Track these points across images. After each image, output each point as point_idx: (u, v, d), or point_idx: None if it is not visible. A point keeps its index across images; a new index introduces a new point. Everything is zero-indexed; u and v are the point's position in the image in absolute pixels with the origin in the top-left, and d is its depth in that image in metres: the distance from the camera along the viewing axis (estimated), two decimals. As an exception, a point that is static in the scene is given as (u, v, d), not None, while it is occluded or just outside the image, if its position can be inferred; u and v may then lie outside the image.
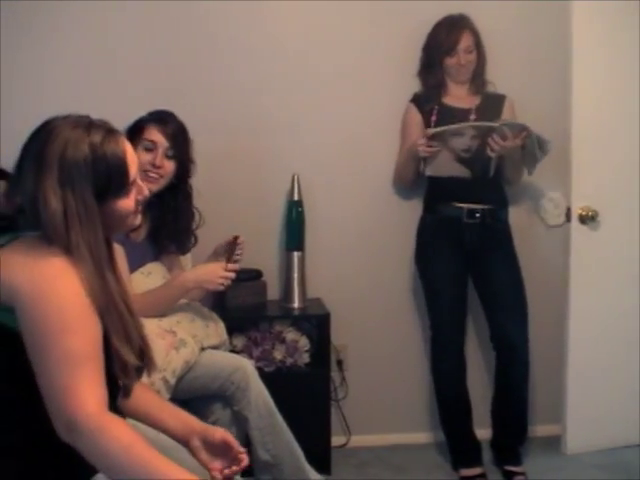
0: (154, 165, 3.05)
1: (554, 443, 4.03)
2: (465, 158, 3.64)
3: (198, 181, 3.67)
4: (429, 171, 3.69)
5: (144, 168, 2.96)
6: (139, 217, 2.01)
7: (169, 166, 3.10)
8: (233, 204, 3.97)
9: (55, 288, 1.74)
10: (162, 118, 3.12)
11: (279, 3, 3.93)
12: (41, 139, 1.83)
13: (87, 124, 1.86)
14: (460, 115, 3.78)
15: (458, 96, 3.86)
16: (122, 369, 1.86)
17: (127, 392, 1.99)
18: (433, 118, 3.81)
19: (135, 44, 3.83)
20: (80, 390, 1.70)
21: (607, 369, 3.93)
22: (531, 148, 3.62)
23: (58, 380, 1.71)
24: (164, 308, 2.96)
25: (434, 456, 4.01)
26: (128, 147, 1.92)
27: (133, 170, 1.91)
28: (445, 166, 3.66)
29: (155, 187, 3.03)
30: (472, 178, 3.68)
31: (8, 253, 1.79)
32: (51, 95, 3.67)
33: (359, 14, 3.96)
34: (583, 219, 3.79)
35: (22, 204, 1.83)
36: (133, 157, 1.92)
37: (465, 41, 3.75)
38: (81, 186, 1.79)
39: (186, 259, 3.41)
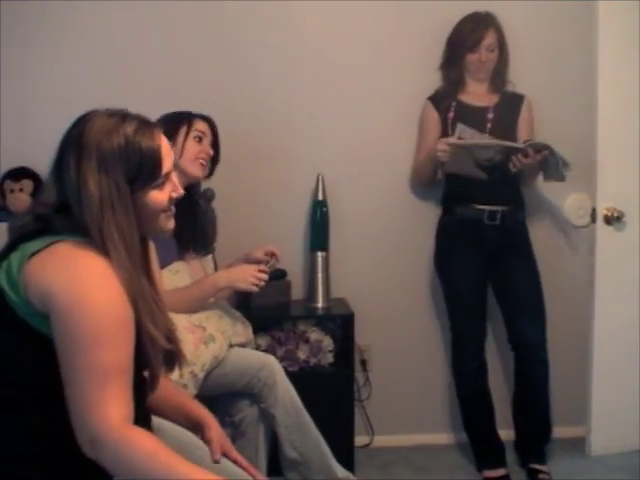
0: (206, 152, 3.19)
1: (578, 445, 4.00)
2: (485, 166, 3.63)
3: (223, 182, 3.70)
4: (448, 168, 3.69)
5: (197, 156, 3.14)
6: (172, 221, 2.00)
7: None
8: (258, 204, 3.98)
9: (92, 298, 1.72)
10: (202, 115, 3.24)
11: (303, 2, 3.94)
12: (79, 128, 1.84)
13: (123, 115, 1.88)
14: (477, 113, 3.79)
15: (476, 94, 3.85)
16: (152, 355, 1.86)
17: (154, 385, 2.00)
18: (450, 115, 3.80)
19: (153, 44, 3.86)
20: (106, 405, 1.69)
21: (632, 371, 3.91)
22: (553, 164, 3.60)
23: (86, 393, 1.70)
24: (196, 306, 2.97)
25: (457, 457, 4.01)
26: (164, 140, 1.92)
27: (167, 163, 1.91)
28: (464, 168, 3.66)
29: (205, 173, 3.24)
30: (490, 180, 3.67)
31: (44, 258, 1.77)
32: (61, 96, 3.72)
33: (382, 13, 3.96)
34: (608, 220, 3.77)
35: (62, 200, 1.83)
36: (168, 151, 1.93)
37: (489, 39, 3.75)
38: (115, 172, 1.80)
39: (207, 260, 3.41)
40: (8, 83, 3.72)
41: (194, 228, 3.24)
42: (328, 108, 3.99)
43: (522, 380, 3.88)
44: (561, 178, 3.65)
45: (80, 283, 1.73)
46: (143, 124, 1.89)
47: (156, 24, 3.85)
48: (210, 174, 3.31)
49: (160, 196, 1.91)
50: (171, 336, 1.96)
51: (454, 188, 3.84)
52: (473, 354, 3.83)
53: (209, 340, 2.89)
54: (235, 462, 2.15)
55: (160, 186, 1.91)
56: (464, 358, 3.86)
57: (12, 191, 3.64)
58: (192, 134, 3.15)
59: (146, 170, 1.86)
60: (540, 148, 3.55)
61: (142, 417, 2.07)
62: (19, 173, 3.66)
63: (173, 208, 1.99)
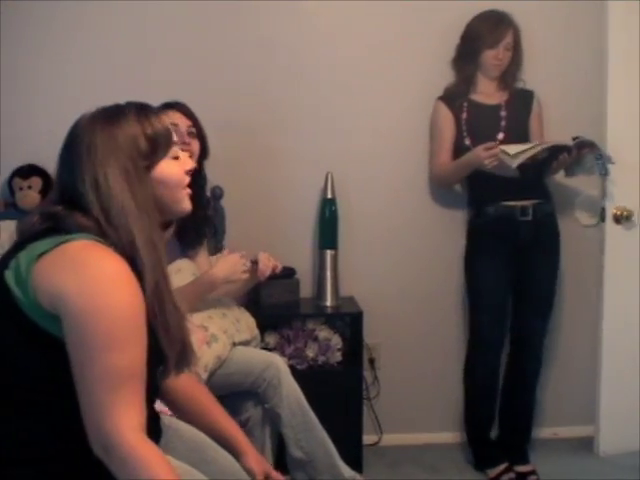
0: (184, 143, 3.04)
1: (587, 444, 4.01)
2: (527, 165, 3.56)
3: (232, 180, 3.71)
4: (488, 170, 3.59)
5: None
6: (189, 202, 2.01)
7: (195, 144, 3.15)
8: (266, 203, 3.98)
9: (105, 301, 1.69)
10: (171, 103, 3.15)
11: (313, 1, 3.93)
12: (80, 129, 1.86)
13: (117, 105, 1.91)
14: (490, 112, 3.78)
15: (486, 92, 3.83)
16: (167, 348, 1.86)
17: (165, 376, 2.01)
18: (464, 115, 3.79)
19: (162, 43, 3.85)
20: (119, 411, 1.68)
21: (641, 370, 3.91)
22: (589, 160, 3.59)
23: (98, 397, 1.69)
24: (193, 304, 2.93)
25: (465, 456, 3.99)
26: (164, 116, 1.98)
27: (174, 135, 1.96)
28: (504, 170, 3.57)
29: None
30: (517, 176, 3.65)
31: (54, 259, 1.73)
32: (69, 93, 3.73)
33: (391, 11, 3.95)
34: (618, 219, 3.76)
35: (70, 195, 1.83)
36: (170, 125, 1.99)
37: (508, 37, 3.74)
38: (130, 154, 1.83)
39: (215, 259, 3.40)
40: (17, 81, 3.73)
41: (201, 226, 3.22)
42: (337, 106, 3.99)
43: (513, 374, 3.90)
44: (592, 173, 3.67)
45: (92, 286, 1.70)
46: (142, 106, 1.93)
47: (164, 24, 3.85)
48: (203, 155, 3.21)
49: (176, 167, 1.95)
50: (184, 333, 1.94)
51: (480, 188, 3.81)
52: (489, 358, 3.83)
53: (212, 340, 2.89)
54: None
55: (175, 157, 1.95)
56: (478, 362, 3.86)
57: (21, 189, 3.65)
58: None
59: (162, 142, 1.90)
60: (586, 144, 3.55)
61: (152, 417, 2.08)
62: (28, 171, 3.68)
63: (189, 189, 2.01)
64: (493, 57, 3.75)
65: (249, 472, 2.23)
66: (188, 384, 2.26)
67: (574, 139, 3.57)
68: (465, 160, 3.69)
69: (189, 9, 3.84)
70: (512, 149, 3.49)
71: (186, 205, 2.00)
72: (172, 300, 1.88)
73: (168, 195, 1.93)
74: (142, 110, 1.91)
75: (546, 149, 3.54)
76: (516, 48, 3.80)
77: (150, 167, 1.87)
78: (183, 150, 2.90)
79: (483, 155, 3.53)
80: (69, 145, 1.86)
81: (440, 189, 4.03)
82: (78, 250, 1.74)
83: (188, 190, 2.00)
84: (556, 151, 3.57)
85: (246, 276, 3.08)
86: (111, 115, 1.87)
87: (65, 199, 1.84)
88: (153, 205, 1.86)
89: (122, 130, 1.84)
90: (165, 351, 1.86)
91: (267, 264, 3.16)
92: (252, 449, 2.31)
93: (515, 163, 3.48)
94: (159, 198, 1.90)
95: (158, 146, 1.89)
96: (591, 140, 3.58)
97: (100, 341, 1.68)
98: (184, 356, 1.96)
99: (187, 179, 1.99)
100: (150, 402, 2.04)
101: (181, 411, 2.27)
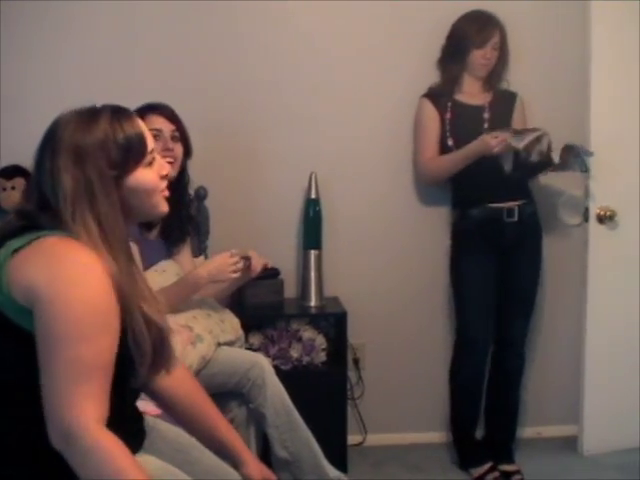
0: (167, 149, 3.03)
1: (571, 444, 4.02)
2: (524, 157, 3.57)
3: (215, 180, 3.70)
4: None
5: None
6: (165, 203, 1.99)
7: (178, 148, 3.11)
8: (250, 203, 3.98)
9: (75, 292, 1.70)
10: (155, 106, 3.12)
11: (297, 2, 3.93)
12: (52, 129, 1.85)
13: (94, 107, 1.89)
14: (473, 113, 3.79)
15: (471, 93, 3.84)
16: (140, 356, 1.84)
17: (140, 385, 1.98)
18: (448, 115, 3.79)
19: (146, 43, 3.84)
20: (83, 402, 1.68)
21: (624, 369, 3.92)
22: (570, 161, 3.62)
23: (63, 387, 1.68)
24: (177, 304, 2.93)
25: (450, 455, 4.00)
26: (140, 121, 1.94)
27: (150, 140, 1.93)
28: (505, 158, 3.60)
29: (172, 172, 2.99)
30: (499, 177, 3.64)
31: (28, 253, 1.75)
32: (54, 94, 3.68)
33: (375, 11, 3.95)
34: (601, 219, 3.78)
35: (42, 196, 1.83)
36: (147, 130, 1.94)
37: (495, 37, 3.74)
38: (95, 162, 1.80)
39: (200, 260, 3.40)
40: (2, 81, 3.71)
41: (185, 224, 3.21)
42: (321, 106, 3.99)
43: (497, 373, 3.92)
44: (574, 170, 3.69)
45: (62, 276, 1.71)
46: (117, 110, 1.90)
47: (145, 25, 3.84)
48: (187, 156, 3.18)
49: (150, 174, 1.92)
50: (162, 335, 1.93)
51: (464, 190, 3.82)
52: (475, 358, 3.84)
53: (197, 340, 2.88)
54: None
55: (150, 164, 1.92)
56: (464, 362, 3.87)
57: (4, 189, 3.64)
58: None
59: (134, 150, 1.86)
60: (566, 150, 3.57)
61: (134, 418, 2.08)
62: (12, 171, 3.65)
63: (166, 190, 1.99)
64: (481, 57, 3.75)
65: None
66: (182, 382, 2.20)
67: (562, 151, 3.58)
68: (470, 149, 3.63)
69: (170, 10, 3.82)
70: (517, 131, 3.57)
71: (162, 208, 1.99)
72: (149, 299, 1.88)
73: (142, 202, 1.92)
74: (115, 116, 1.87)
75: (541, 138, 3.54)
76: (502, 48, 3.81)
77: (120, 177, 1.85)
78: (166, 156, 2.92)
79: (493, 143, 3.52)
80: (41, 146, 1.86)
81: (428, 186, 4.02)
82: (52, 244, 1.76)
83: (164, 193, 1.98)
84: (544, 162, 3.58)
85: (236, 276, 3.05)
86: (83, 120, 1.84)
87: (39, 198, 1.85)
88: (116, 216, 1.83)
89: (92, 136, 1.82)
90: (134, 352, 1.84)
91: (259, 260, 3.15)
92: (252, 457, 2.28)
93: (522, 144, 3.50)
94: (132, 205, 1.89)
95: (130, 155, 1.86)
96: (571, 144, 3.58)
97: (68, 331, 1.69)
98: (161, 357, 1.94)
99: (163, 184, 1.97)
100: (131, 402, 2.03)
101: (176, 413, 2.23)
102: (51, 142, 1.83)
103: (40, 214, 1.83)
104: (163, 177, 1.97)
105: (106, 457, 1.67)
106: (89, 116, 1.85)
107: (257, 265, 3.14)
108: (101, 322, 1.73)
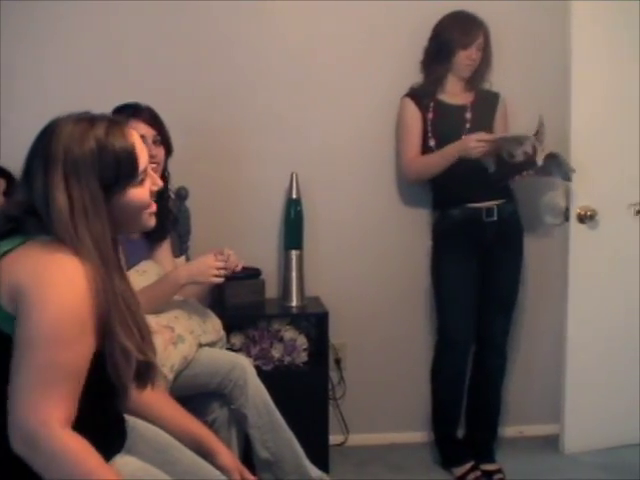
0: (151, 156, 2.99)
1: (552, 442, 4.04)
2: (505, 161, 3.61)
3: (196, 181, 3.69)
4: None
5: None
6: (154, 218, 2.00)
7: (160, 152, 3.11)
8: (231, 203, 3.97)
9: (54, 297, 1.71)
10: (135, 110, 3.08)
11: (277, 0, 3.92)
12: (46, 138, 1.83)
13: (90, 118, 1.86)
14: (456, 113, 3.79)
15: (453, 92, 3.84)
16: (123, 365, 1.84)
17: (125, 396, 1.98)
18: (430, 115, 3.79)
19: (133, 44, 3.82)
20: (50, 406, 1.68)
21: (606, 368, 3.94)
22: (552, 167, 3.64)
23: (32, 389, 1.69)
24: (158, 305, 2.90)
25: (432, 455, 4.00)
26: (136, 137, 1.91)
27: (143, 158, 1.91)
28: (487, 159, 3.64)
29: (158, 175, 2.95)
30: (478, 177, 3.66)
31: (15, 258, 1.77)
32: (52, 95, 3.67)
33: (356, 11, 3.94)
34: (582, 218, 3.79)
35: (31, 204, 1.82)
36: (142, 146, 1.92)
37: (480, 38, 3.74)
38: (87, 178, 1.79)
39: (181, 261, 3.38)
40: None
41: (164, 219, 3.18)
42: (302, 106, 3.98)
43: (478, 372, 3.93)
44: (555, 177, 3.74)
45: (45, 281, 1.72)
46: (112, 124, 1.87)
47: (127, 25, 3.81)
48: (167, 156, 3.16)
49: (141, 193, 1.91)
50: (146, 347, 1.92)
51: (444, 190, 3.82)
52: (456, 358, 3.85)
53: (178, 341, 2.86)
54: None
55: (140, 183, 1.90)
56: (445, 362, 3.88)
57: (-17, 190, 3.62)
58: None
59: (124, 171, 1.85)
60: (550, 156, 3.58)
61: (115, 421, 2.06)
62: (-9, 172, 3.64)
63: (154, 205, 1.98)
64: (466, 57, 3.75)
65: (224, 471, 2.21)
66: (150, 398, 2.22)
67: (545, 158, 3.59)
68: (449, 152, 3.65)
69: (152, 10, 3.80)
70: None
71: (149, 224, 1.99)
72: (133, 312, 1.88)
73: (129, 218, 1.92)
74: (111, 130, 1.84)
75: (524, 140, 3.55)
76: (486, 49, 3.81)
77: (109, 197, 1.84)
78: (150, 162, 2.89)
79: (470, 145, 3.54)
80: (33, 154, 1.85)
81: (411, 185, 4.01)
82: (37, 249, 1.77)
83: (153, 209, 1.98)
84: (528, 163, 3.58)
85: (218, 281, 3.02)
86: (77, 134, 1.81)
87: (27, 205, 1.84)
88: (105, 232, 1.82)
89: (85, 154, 1.79)
90: (121, 364, 1.83)
91: (234, 260, 3.12)
92: (224, 448, 2.31)
93: (504, 150, 3.56)
94: (120, 220, 1.89)
95: (121, 175, 1.85)
96: (555, 152, 3.59)
97: (46, 333, 1.70)
98: (145, 371, 1.95)
99: (152, 203, 1.96)
100: (113, 404, 2.02)
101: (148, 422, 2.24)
102: (44, 153, 1.81)
103: (27, 218, 1.83)
104: (153, 192, 1.96)
105: (75, 459, 1.68)
106: (84, 130, 1.82)
107: (232, 265, 3.10)
108: (78, 330, 1.74)
